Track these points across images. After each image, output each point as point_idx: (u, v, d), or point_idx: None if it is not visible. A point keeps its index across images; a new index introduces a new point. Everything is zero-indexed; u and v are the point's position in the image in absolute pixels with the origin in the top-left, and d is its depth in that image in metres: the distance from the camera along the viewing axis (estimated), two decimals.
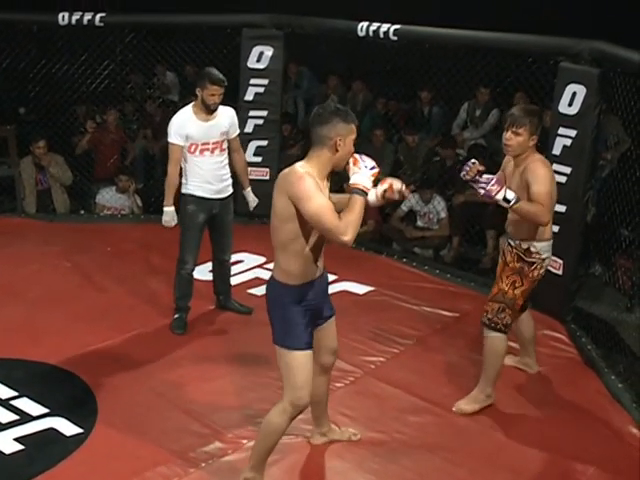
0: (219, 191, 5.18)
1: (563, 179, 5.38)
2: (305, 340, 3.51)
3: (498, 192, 4.02)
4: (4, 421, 4.18)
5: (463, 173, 4.16)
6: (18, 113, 8.79)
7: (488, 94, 7.90)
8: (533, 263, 4.29)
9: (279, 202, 3.36)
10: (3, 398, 4.39)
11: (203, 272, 5.72)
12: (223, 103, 5.13)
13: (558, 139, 5.42)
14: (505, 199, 4.04)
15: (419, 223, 7.35)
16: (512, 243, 4.34)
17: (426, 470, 3.97)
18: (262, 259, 6.42)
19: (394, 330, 5.34)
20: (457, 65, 7.08)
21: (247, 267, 6.32)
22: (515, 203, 4.04)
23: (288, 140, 8.29)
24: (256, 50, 7.10)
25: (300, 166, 3.36)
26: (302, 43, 7.47)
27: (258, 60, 7.10)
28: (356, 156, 3.40)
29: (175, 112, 5.20)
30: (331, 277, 6.17)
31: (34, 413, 4.26)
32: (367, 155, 3.46)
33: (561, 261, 5.48)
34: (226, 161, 5.24)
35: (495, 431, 4.32)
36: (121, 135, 8.54)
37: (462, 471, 3.96)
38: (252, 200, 5.49)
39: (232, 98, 7.50)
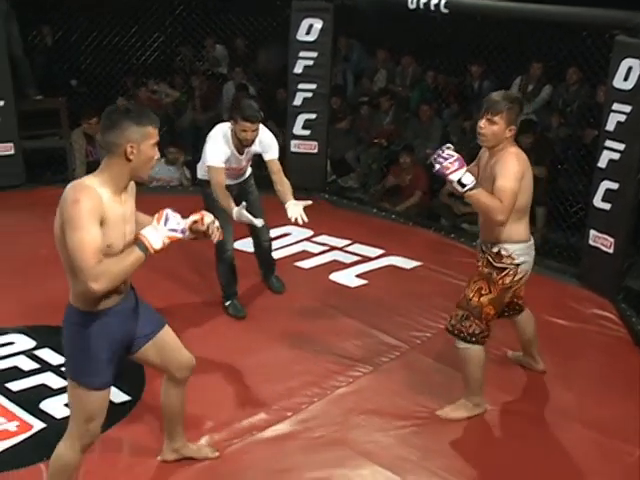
0: (237, 177, 5.11)
1: (616, 156, 5.30)
2: (104, 380, 3.09)
3: (454, 172, 3.62)
4: (55, 387, 4.27)
5: (435, 156, 3.75)
6: (70, 85, 8.88)
7: (541, 69, 7.76)
8: (504, 269, 3.87)
9: (56, 222, 2.89)
10: (54, 364, 4.47)
11: (248, 245, 5.67)
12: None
13: (612, 115, 5.31)
14: (460, 182, 3.63)
15: None
16: (483, 247, 3.98)
17: (472, 445, 3.97)
18: (310, 232, 6.44)
19: (440, 305, 5.30)
20: (509, 39, 6.97)
21: (294, 240, 6.35)
22: (470, 190, 3.64)
23: (337, 113, 8.26)
24: (306, 22, 7.06)
25: (87, 181, 2.88)
26: (352, 15, 7.40)
27: (307, 33, 7.07)
28: (164, 212, 3.07)
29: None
30: (378, 251, 6.24)
31: None
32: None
33: (612, 239, 5.40)
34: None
35: (542, 409, 4.30)
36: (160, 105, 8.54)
37: (506, 447, 3.95)
38: (292, 213, 4.54)
39: (283, 71, 7.52)
